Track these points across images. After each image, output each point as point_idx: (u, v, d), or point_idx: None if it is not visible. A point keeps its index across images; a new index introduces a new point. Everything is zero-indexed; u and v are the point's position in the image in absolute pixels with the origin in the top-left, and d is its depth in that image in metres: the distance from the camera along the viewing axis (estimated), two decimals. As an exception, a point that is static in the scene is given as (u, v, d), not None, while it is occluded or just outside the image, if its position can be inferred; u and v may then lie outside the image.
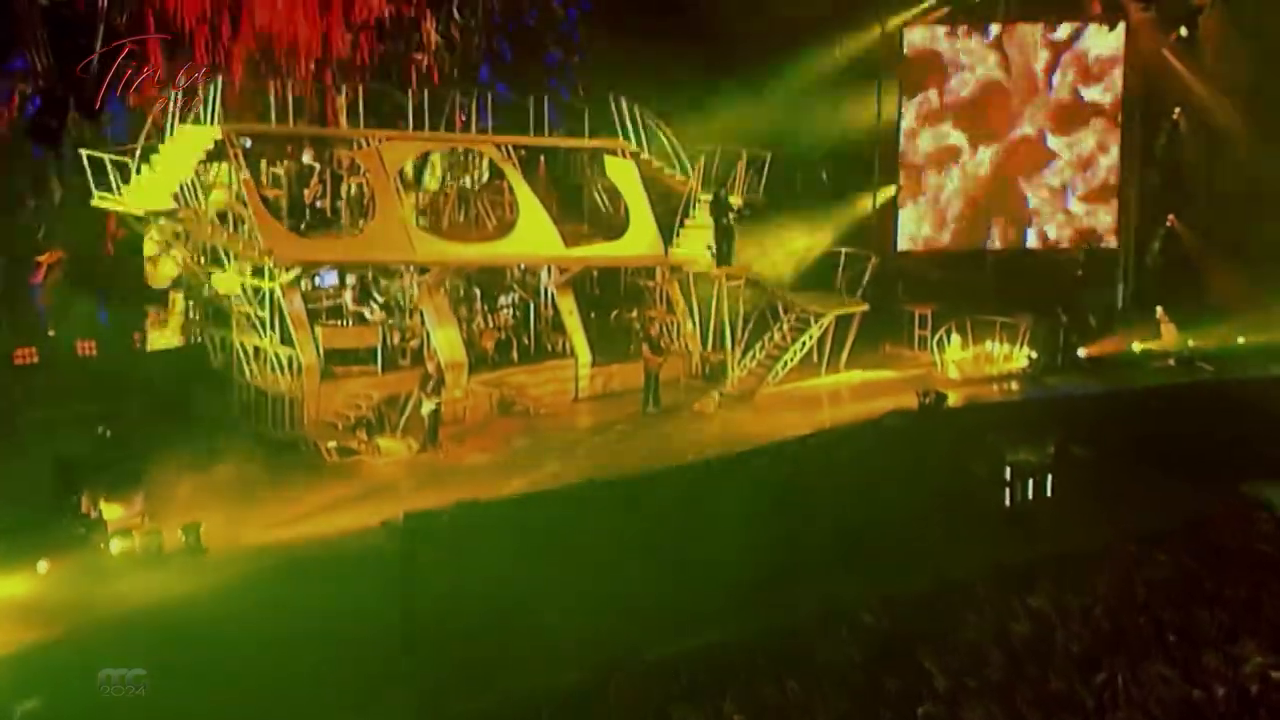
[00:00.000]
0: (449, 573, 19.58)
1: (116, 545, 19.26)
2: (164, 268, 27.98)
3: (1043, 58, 38.12)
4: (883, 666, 16.20)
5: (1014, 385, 31.91)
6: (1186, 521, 22.45)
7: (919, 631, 17.32)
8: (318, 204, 27.96)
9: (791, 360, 31.35)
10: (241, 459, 23.37)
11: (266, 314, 26.42)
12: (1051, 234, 39.03)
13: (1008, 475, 25.21)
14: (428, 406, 25.82)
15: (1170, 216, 39.28)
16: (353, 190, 28.42)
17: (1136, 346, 34.76)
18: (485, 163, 30.80)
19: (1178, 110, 38.73)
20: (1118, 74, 38.18)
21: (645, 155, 31.91)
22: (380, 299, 27.90)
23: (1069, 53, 38.17)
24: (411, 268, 27.90)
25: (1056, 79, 38.13)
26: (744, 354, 31.18)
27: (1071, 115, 38.46)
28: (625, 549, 19.87)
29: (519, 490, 22.79)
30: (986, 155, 38.60)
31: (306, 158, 28.01)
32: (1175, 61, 38.12)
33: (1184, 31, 37.93)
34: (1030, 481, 24.97)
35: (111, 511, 19.70)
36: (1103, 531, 21.91)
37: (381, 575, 19.44)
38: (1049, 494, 24.88)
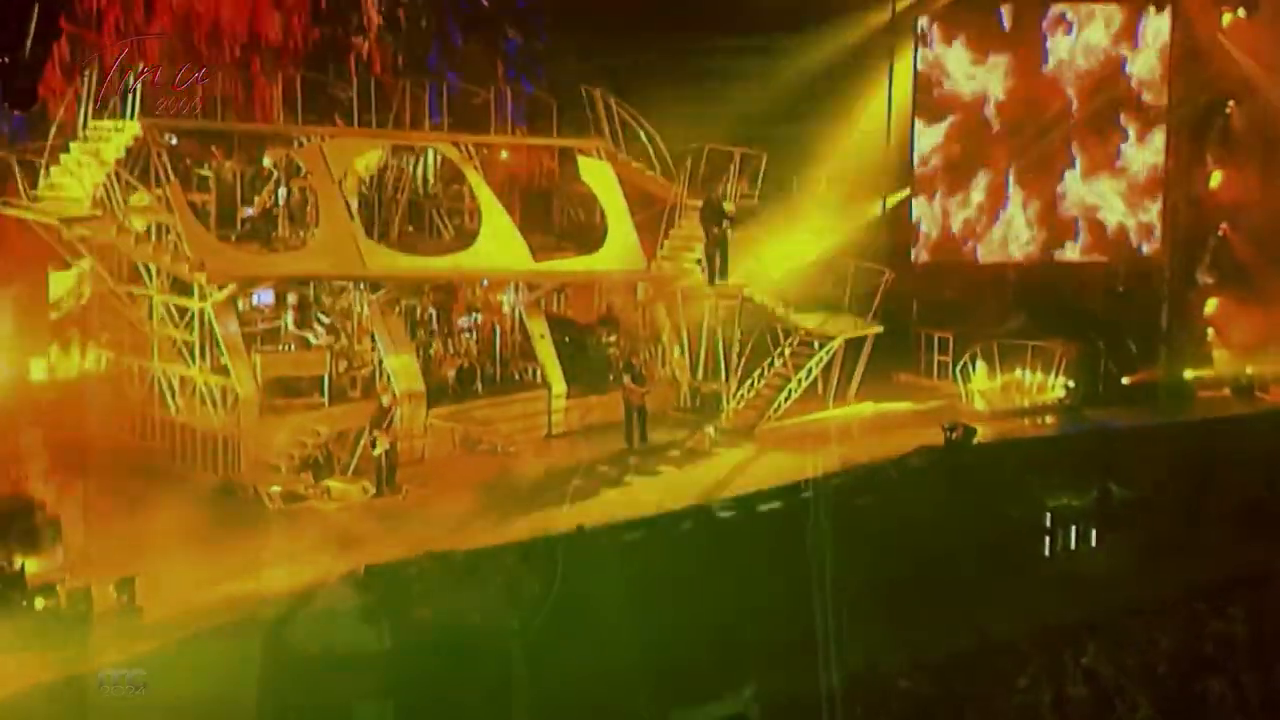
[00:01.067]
0: (419, 634, 20.00)
1: (40, 603, 19.54)
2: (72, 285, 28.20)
3: (1079, 43, 38.40)
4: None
5: (1050, 419, 32.46)
6: (1255, 573, 23.08)
7: (962, 697, 17.83)
8: (273, 212, 28.30)
9: (795, 390, 31.55)
10: (170, 506, 23.49)
11: (195, 338, 26.61)
12: (1087, 244, 39.25)
13: (1049, 522, 25.86)
14: (382, 445, 25.99)
15: (1222, 225, 39.67)
16: (293, 195, 28.65)
17: (1186, 373, 35.34)
18: (442, 163, 31.19)
19: (1231, 103, 39.05)
20: (1163, 61, 38.49)
21: (623, 155, 32.24)
22: (326, 320, 28.13)
23: (1109, 37, 38.46)
24: (361, 284, 28.19)
25: (1093, 68, 38.43)
26: (741, 384, 31.50)
27: (1110, 109, 38.74)
28: (623, 606, 20.27)
29: (491, 540, 23.01)
30: (1013, 155, 38.78)
31: (267, 161, 28.28)
32: (1231, 47, 38.50)
33: (1241, 12, 38.19)
34: (1075, 529, 25.59)
35: (31, 565, 19.97)
36: (1160, 584, 22.48)
37: (342, 636, 19.83)
38: (1096, 542, 25.51)
